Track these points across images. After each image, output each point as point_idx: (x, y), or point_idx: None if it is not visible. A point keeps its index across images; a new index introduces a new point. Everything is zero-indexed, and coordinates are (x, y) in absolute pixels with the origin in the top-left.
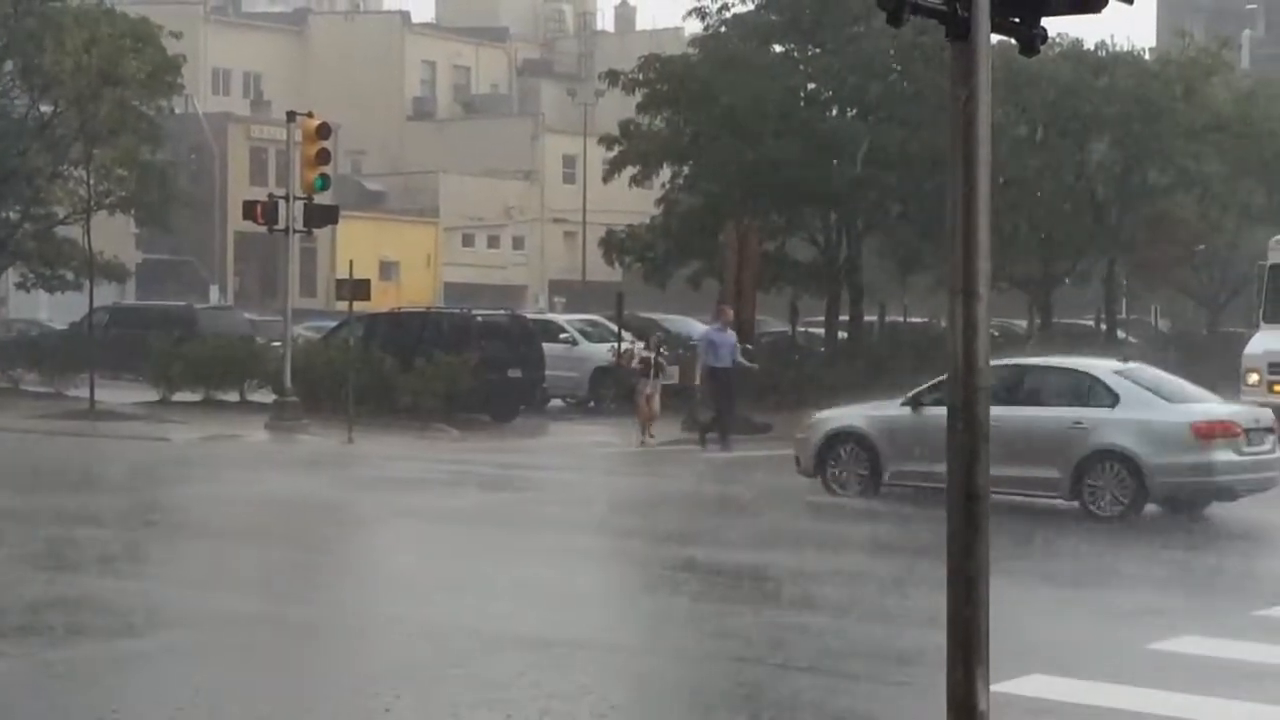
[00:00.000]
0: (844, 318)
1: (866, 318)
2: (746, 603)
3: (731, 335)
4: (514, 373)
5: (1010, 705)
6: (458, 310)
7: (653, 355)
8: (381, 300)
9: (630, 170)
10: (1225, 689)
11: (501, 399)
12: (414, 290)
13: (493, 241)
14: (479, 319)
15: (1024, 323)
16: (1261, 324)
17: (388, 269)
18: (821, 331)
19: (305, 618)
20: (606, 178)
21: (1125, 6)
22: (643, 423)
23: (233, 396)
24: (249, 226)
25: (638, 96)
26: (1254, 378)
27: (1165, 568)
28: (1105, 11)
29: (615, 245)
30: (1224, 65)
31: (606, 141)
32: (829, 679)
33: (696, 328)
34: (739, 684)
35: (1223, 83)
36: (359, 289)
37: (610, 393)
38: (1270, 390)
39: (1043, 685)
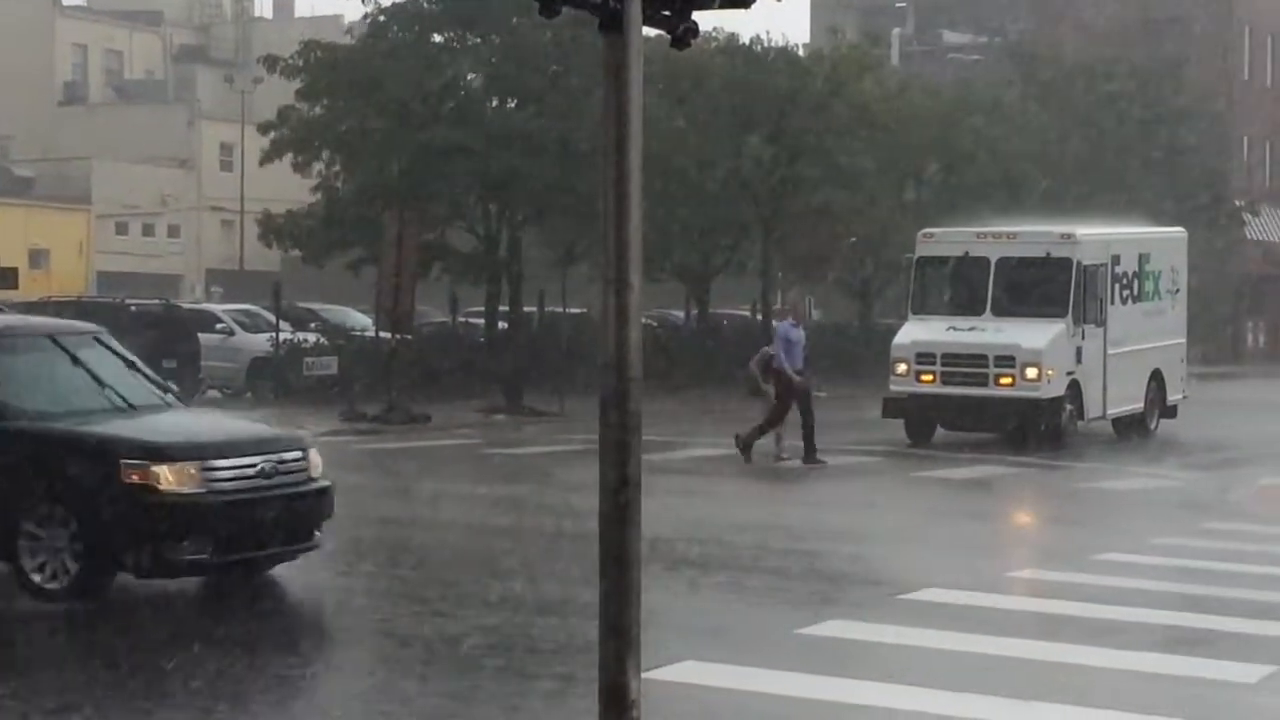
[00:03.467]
0: (504, 308)
1: (526, 308)
2: (410, 593)
3: (803, 332)
4: (168, 363)
5: (662, 692)
6: (110, 299)
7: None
8: (31, 289)
9: (289, 158)
10: (870, 671)
11: None
12: (65, 279)
13: (148, 230)
14: (132, 308)
15: (682, 313)
16: (910, 315)
17: (37, 257)
18: (481, 321)
19: None
20: (263, 163)
21: (776, 4)
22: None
23: None
24: None
25: (297, 83)
26: (902, 368)
27: (807, 557)
28: (760, 8)
29: (273, 228)
30: (875, 62)
31: (264, 128)
32: (482, 671)
33: (356, 317)
34: (403, 676)
35: (874, 79)
36: (6, 277)
37: (269, 384)
38: (918, 380)
39: (695, 671)
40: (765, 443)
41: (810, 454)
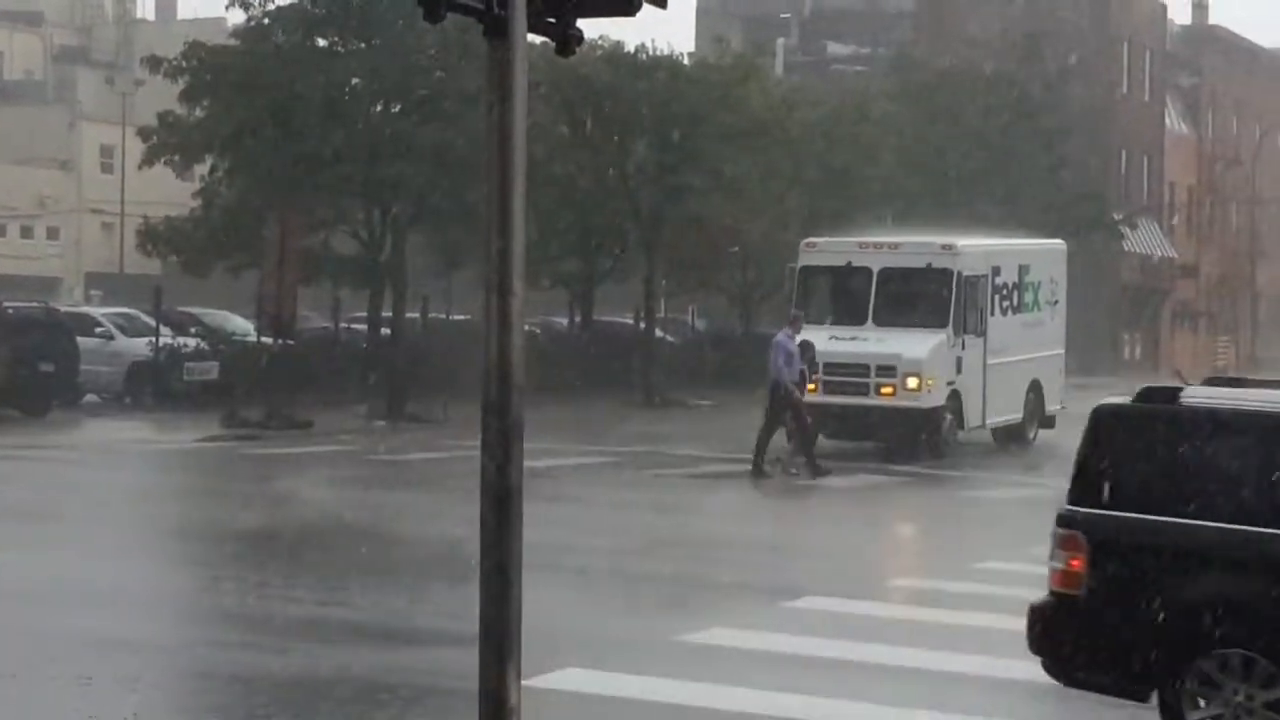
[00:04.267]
0: (387, 313)
1: (409, 313)
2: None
3: (798, 343)
4: (46, 367)
5: (543, 700)
6: None
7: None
8: None
9: (170, 161)
10: (751, 678)
11: (33, 393)
12: None
13: (26, 232)
14: (9, 311)
15: (565, 320)
16: None
17: None
18: (364, 327)
19: None
20: (143, 166)
21: (662, 12)
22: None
23: None
24: None
25: (179, 86)
26: None
27: (690, 565)
28: (646, 16)
29: (153, 236)
30: (759, 72)
31: (145, 132)
32: (368, 671)
33: (237, 322)
34: (270, 671)
35: (758, 89)
36: None
37: (149, 389)
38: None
39: (576, 679)
40: (775, 447)
41: (758, 466)
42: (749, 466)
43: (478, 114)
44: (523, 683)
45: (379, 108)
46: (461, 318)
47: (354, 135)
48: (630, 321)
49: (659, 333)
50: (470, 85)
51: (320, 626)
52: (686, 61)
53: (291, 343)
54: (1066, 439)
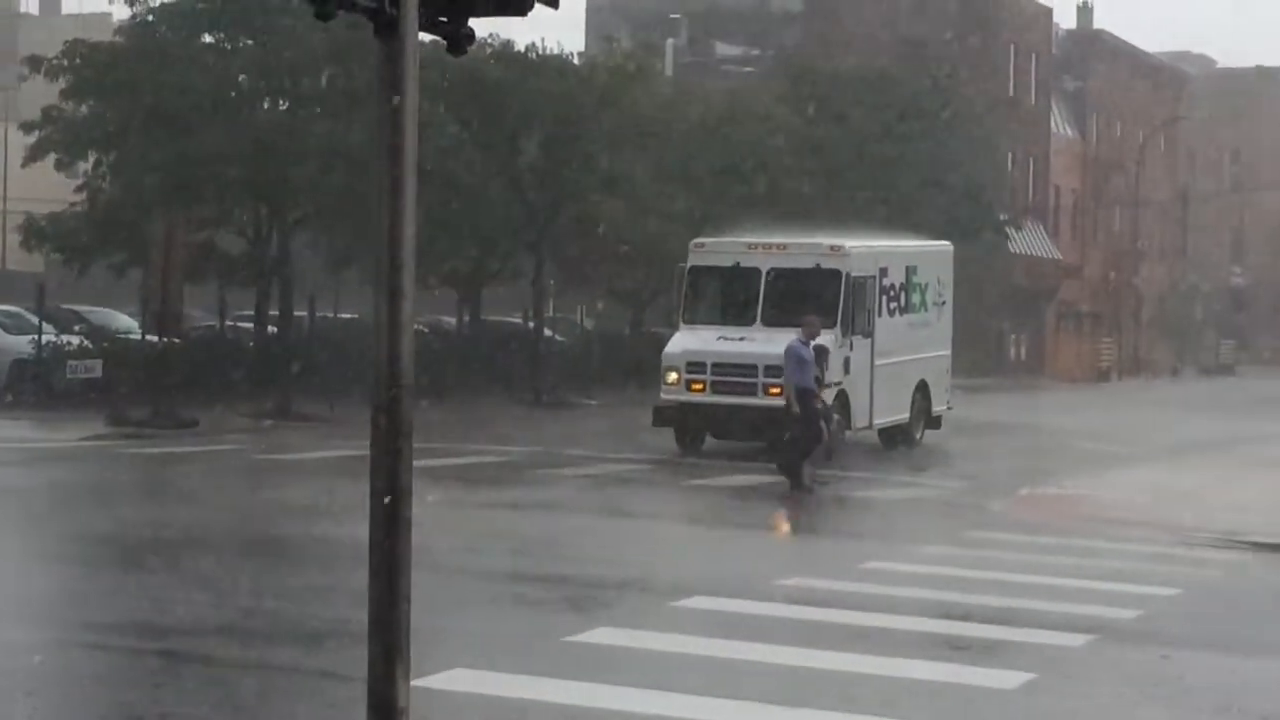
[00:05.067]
0: (274, 312)
1: (297, 313)
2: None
3: (813, 350)
4: None
5: (432, 700)
6: None
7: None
8: None
9: (54, 158)
10: (638, 678)
11: None
12: None
13: None
14: None
15: (454, 320)
16: (681, 324)
17: None
18: (251, 325)
19: None
20: (25, 164)
21: (553, 11)
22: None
23: None
24: None
25: (62, 83)
26: (673, 376)
27: (577, 565)
28: (536, 16)
29: (36, 232)
30: (649, 72)
31: (27, 128)
32: (246, 669)
33: (122, 320)
34: (146, 673)
35: (646, 89)
36: None
37: (31, 387)
38: (689, 389)
39: (464, 679)
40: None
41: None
42: (627, 466)
43: (368, 112)
44: (411, 683)
45: (267, 105)
46: (350, 316)
47: (241, 133)
48: (519, 321)
49: (548, 332)
50: (360, 83)
51: (202, 624)
52: (576, 61)
53: (178, 341)
54: (952, 439)
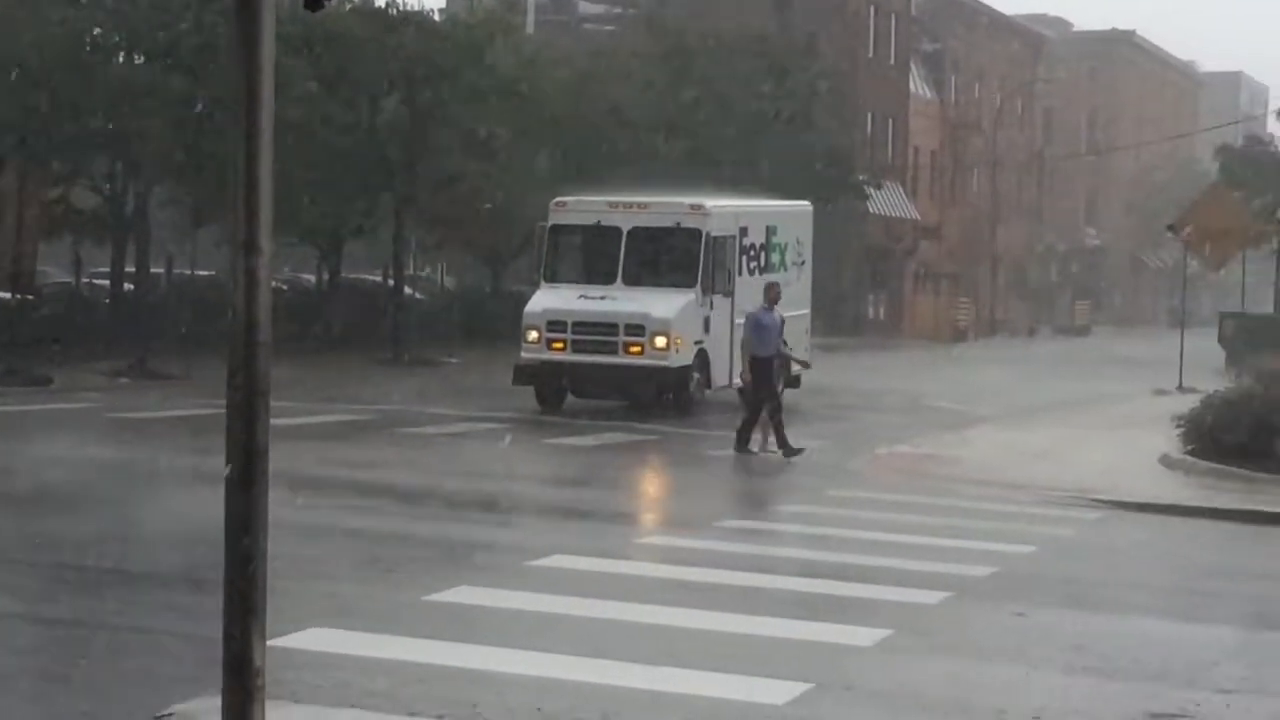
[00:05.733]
0: (130, 269)
1: (154, 269)
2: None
3: (777, 317)
4: None
5: (288, 659)
6: None
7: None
8: None
9: None
10: (498, 637)
11: None
12: None
13: None
14: None
15: (313, 277)
16: (542, 283)
17: None
18: (107, 283)
19: None
20: None
21: None
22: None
23: None
24: None
25: None
26: (534, 335)
27: (436, 524)
28: None
29: None
30: (510, 30)
31: None
32: (97, 629)
33: None
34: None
35: (508, 46)
36: None
37: None
38: (549, 348)
39: (322, 638)
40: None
41: (741, 442)
42: (487, 425)
43: (224, 66)
44: (268, 643)
45: (121, 59)
46: (207, 274)
47: (95, 86)
48: (379, 279)
49: (408, 290)
50: (216, 37)
51: (55, 585)
52: (437, 18)
53: (31, 298)
54: (812, 399)
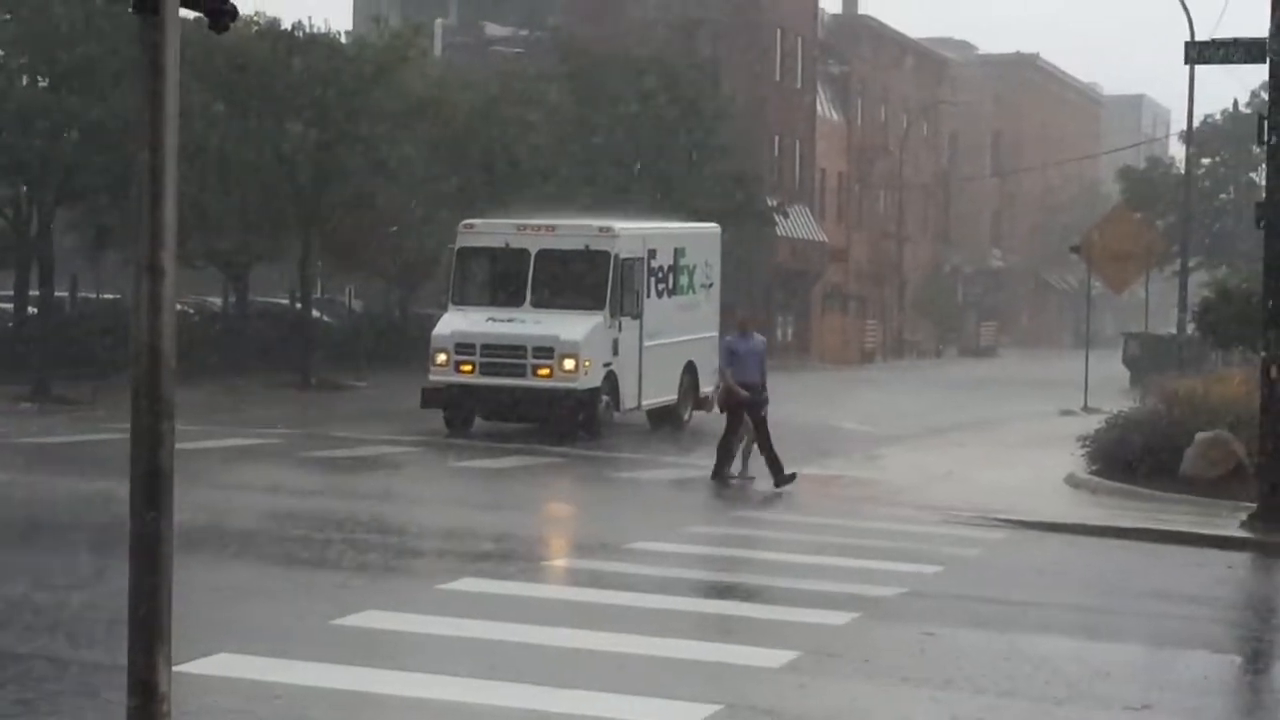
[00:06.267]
0: (34, 292)
1: (58, 293)
2: None
3: (759, 343)
4: None
5: (195, 685)
6: None
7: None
8: None
9: None
10: (405, 661)
11: None
12: None
13: None
14: None
15: (219, 301)
16: (450, 306)
17: None
18: (10, 306)
19: None
20: None
21: None
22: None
23: None
24: None
25: None
26: (442, 358)
27: (343, 548)
28: None
29: None
30: (418, 52)
31: None
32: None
33: None
34: None
35: (416, 69)
36: None
37: None
38: (458, 370)
39: (228, 664)
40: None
41: (719, 470)
42: (395, 448)
43: (129, 88)
44: (173, 669)
45: (24, 81)
46: (112, 297)
47: None
48: (286, 302)
49: (316, 313)
50: (119, 58)
51: None
52: (344, 39)
53: None
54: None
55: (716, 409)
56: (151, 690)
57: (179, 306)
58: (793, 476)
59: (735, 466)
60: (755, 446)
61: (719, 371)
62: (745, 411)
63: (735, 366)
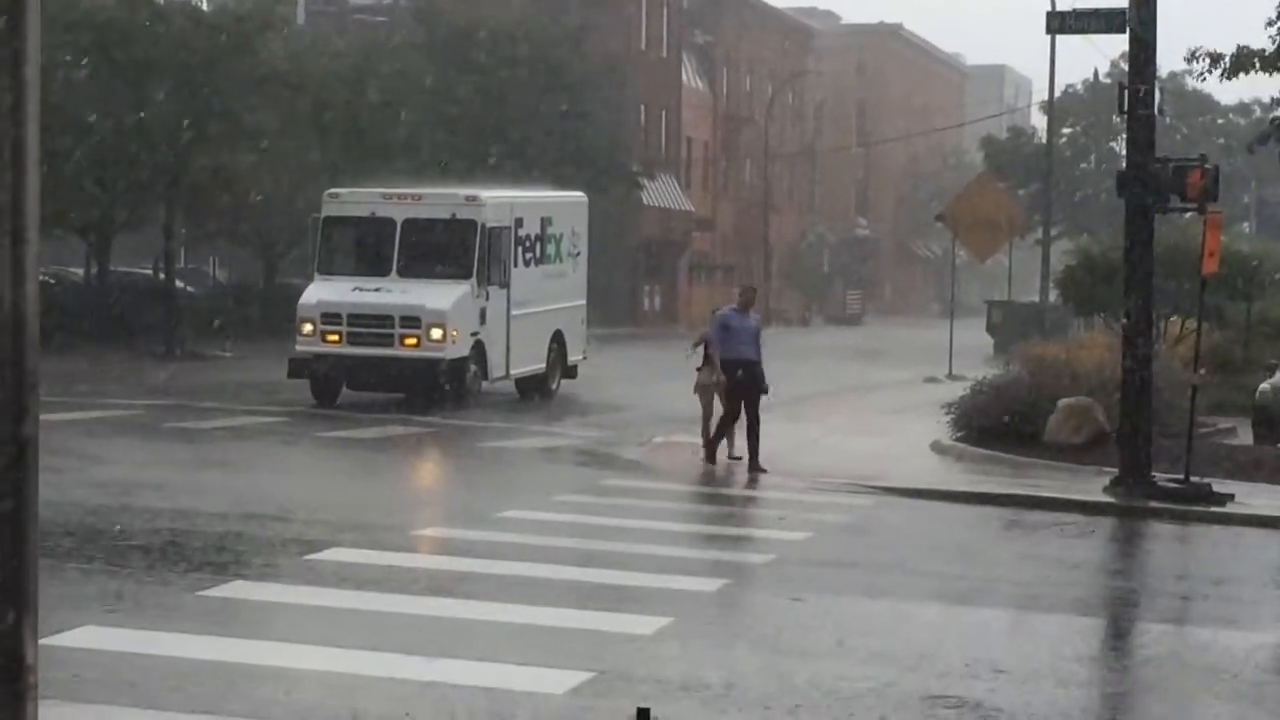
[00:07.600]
0: None
1: None
2: None
3: (753, 321)
4: None
5: (61, 658)
6: None
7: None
8: None
9: None
10: (273, 632)
11: None
12: None
13: None
14: None
15: (80, 271)
16: (316, 276)
17: None
18: None
19: None
20: None
21: None
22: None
23: None
24: None
25: None
26: (308, 328)
27: (210, 519)
28: None
29: None
30: (280, 20)
31: None
32: None
33: None
34: None
35: (278, 37)
36: None
37: None
38: (324, 340)
39: (94, 636)
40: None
41: (710, 449)
42: (262, 419)
43: None
44: (40, 641)
45: None
46: None
47: None
48: (149, 272)
49: (179, 283)
50: None
51: None
52: (205, 7)
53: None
54: (588, 389)
55: (707, 395)
56: (19, 662)
57: (40, 276)
58: (736, 458)
59: (737, 449)
60: (716, 419)
61: (704, 346)
62: (742, 391)
63: (729, 342)
